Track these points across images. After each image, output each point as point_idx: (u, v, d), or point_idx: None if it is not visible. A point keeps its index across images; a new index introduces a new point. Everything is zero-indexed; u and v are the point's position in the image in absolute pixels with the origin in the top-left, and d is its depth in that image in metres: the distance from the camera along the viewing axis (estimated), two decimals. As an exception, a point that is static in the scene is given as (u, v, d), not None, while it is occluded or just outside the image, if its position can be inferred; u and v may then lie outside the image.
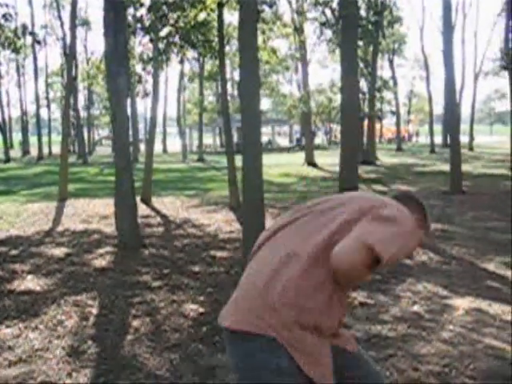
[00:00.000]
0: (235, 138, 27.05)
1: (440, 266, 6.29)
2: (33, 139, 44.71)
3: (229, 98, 14.53)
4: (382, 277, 5.81)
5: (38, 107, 40.95)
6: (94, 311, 4.76)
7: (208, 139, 47.75)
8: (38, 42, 20.71)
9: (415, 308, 4.79)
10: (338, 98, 30.44)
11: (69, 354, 3.86)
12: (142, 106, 61.56)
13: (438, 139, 39.10)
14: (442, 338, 4.10)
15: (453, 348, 3.90)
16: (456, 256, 6.75)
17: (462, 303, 4.89)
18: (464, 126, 33.66)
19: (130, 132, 29.67)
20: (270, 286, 1.81)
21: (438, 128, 45.07)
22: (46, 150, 38.85)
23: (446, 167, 14.52)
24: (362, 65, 23.56)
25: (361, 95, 23.30)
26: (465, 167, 15.22)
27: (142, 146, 36.93)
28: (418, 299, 5.03)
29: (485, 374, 3.47)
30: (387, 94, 37.10)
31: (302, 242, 1.88)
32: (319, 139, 49.91)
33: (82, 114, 39.40)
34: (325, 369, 1.85)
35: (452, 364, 3.62)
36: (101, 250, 7.08)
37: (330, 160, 23.32)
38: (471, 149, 33.43)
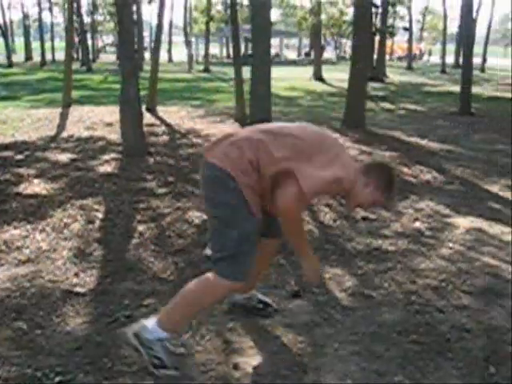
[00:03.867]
0: (242, 49, 26.37)
1: (444, 185, 6.32)
2: (35, 44, 43.67)
3: (237, 6, 14.05)
4: (385, 193, 5.84)
5: (40, 10, 39.69)
6: (100, 215, 4.83)
7: (214, 49, 46.67)
8: None
9: (416, 224, 4.85)
10: (350, 11, 29.45)
11: (75, 256, 3.95)
12: (148, 13, 59.47)
13: (450, 59, 38.17)
14: (441, 254, 4.18)
15: (451, 264, 3.98)
16: (460, 176, 6.76)
17: (463, 222, 4.95)
18: (477, 48, 32.76)
19: (135, 39, 28.97)
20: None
21: (450, 48, 43.86)
22: (48, 56, 38.05)
23: (456, 88, 14.28)
24: (376, -23, 22.60)
25: (373, 9, 22.48)
26: (475, 89, 14.95)
27: (147, 55, 36.09)
28: (420, 216, 5.08)
29: (480, 290, 3.56)
30: (401, 10, 35.88)
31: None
32: (328, 54, 48.76)
33: (86, 19, 38.29)
34: None
35: (449, 279, 3.71)
36: (106, 157, 7.08)
37: (338, 75, 22.88)
38: (483, 70, 32.71)
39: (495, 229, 4.80)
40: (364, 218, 4.94)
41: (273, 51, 45.33)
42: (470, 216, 5.15)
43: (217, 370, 2.59)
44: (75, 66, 27.17)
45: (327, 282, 3.59)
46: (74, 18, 24.75)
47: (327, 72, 24.69)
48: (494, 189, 6.24)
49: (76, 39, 34.47)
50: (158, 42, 12.45)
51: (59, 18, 52.95)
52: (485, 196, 5.93)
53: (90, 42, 37.34)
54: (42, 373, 2.56)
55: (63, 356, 2.70)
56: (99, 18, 44.71)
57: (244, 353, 2.75)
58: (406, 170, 6.90)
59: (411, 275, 3.75)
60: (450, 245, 4.37)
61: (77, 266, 3.79)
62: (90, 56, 34.20)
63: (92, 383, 2.50)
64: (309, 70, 25.27)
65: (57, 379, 2.51)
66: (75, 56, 36.66)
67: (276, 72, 25.36)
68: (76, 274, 3.64)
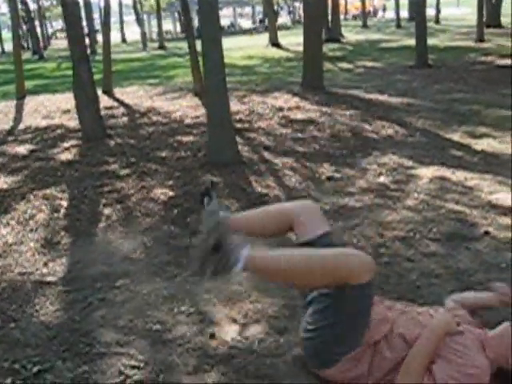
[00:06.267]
0: (195, 22, 25.99)
1: (405, 138, 6.39)
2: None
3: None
4: (348, 151, 5.89)
5: (-17, 0, 38.36)
6: (64, 203, 4.77)
7: (168, 25, 45.87)
8: None
9: (381, 179, 4.91)
10: (300, -26, 29.13)
11: (43, 246, 3.91)
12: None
13: (405, 13, 38.16)
14: (407, 205, 4.24)
15: (417, 214, 4.04)
16: (421, 128, 6.84)
17: (427, 172, 5.02)
18: (430, -1, 32.76)
19: (85, 23, 28.12)
20: None
21: (404, 2, 43.81)
22: (-2, 48, 36.98)
23: (412, 42, 14.35)
24: None
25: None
26: (431, 41, 15.06)
27: (100, 37, 35.31)
28: (384, 171, 5.14)
29: (446, 236, 3.63)
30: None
31: None
32: (283, 19, 48.34)
33: (32, 6, 37.14)
34: None
35: (416, 229, 3.77)
36: (66, 144, 6.96)
37: (294, 40, 22.71)
38: (437, 22, 32.84)
39: (458, 175, 4.88)
40: (329, 178, 4.98)
41: (227, 21, 44.96)
42: (433, 165, 5.23)
43: (194, 341, 2.61)
44: (26, 55, 26.55)
45: (297, 244, 3.62)
46: (19, 5, 24.07)
47: (283, 37, 24.53)
48: (455, 137, 6.34)
49: (24, 27, 33.56)
50: (107, 22, 12.18)
51: (3, 7, 51.29)
52: (446, 145, 6.03)
53: (39, 30, 36.26)
54: (19, 365, 2.54)
55: (40, 346, 2.68)
56: (45, 3, 43.48)
57: (220, 322, 2.77)
58: (367, 126, 6.95)
59: (379, 228, 3.80)
60: (415, 195, 4.44)
61: (46, 255, 3.75)
62: (41, 44, 33.28)
63: (71, 369, 2.49)
64: (265, 38, 25.06)
65: (35, 369, 2.49)
66: (25, 45, 35.74)
67: (231, 42, 25.24)
68: (45, 264, 3.61)
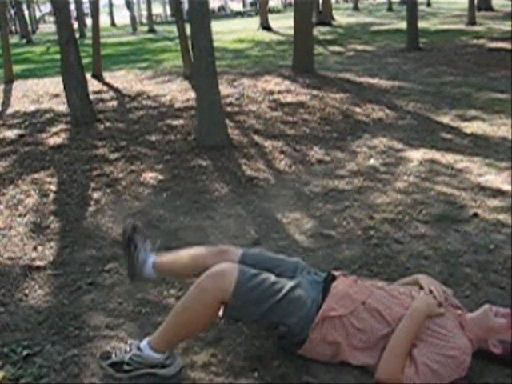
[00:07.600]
0: (185, 5, 25.77)
1: (396, 121, 6.38)
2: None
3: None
4: (338, 134, 5.89)
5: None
6: (54, 188, 4.73)
7: (158, 8, 45.48)
8: None
9: (371, 162, 4.91)
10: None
11: (32, 230, 3.89)
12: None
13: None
14: (397, 188, 4.25)
15: (407, 196, 4.06)
16: (411, 111, 6.84)
17: (417, 155, 5.03)
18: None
19: (73, 6, 27.75)
20: None
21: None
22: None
23: (404, 25, 14.30)
24: None
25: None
26: (422, 24, 15.01)
27: (89, 21, 34.92)
28: (374, 153, 5.14)
29: (435, 218, 3.64)
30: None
31: None
32: (274, 2, 48.01)
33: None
34: None
35: (405, 211, 3.79)
36: (54, 129, 6.90)
37: (285, 23, 22.57)
38: (429, 5, 32.75)
39: (448, 158, 4.90)
40: (319, 161, 4.98)
41: (218, 4, 44.60)
42: (423, 148, 5.24)
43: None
44: (14, 39, 26.26)
45: (287, 227, 3.63)
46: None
47: (274, 21, 24.36)
48: (445, 120, 6.34)
49: (11, 11, 33.15)
50: (96, 5, 12.03)
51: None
52: (436, 127, 6.03)
53: (26, 13, 35.79)
54: (8, 348, 2.53)
55: (29, 330, 2.67)
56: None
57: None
58: (357, 109, 6.93)
59: (368, 211, 3.81)
60: (405, 178, 4.45)
61: (35, 240, 3.73)
62: (29, 28, 32.90)
63: (61, 352, 2.49)
64: (256, 21, 24.88)
65: (24, 352, 2.48)
66: (13, 29, 35.32)
67: (222, 25, 25.06)
68: (35, 248, 3.59)
